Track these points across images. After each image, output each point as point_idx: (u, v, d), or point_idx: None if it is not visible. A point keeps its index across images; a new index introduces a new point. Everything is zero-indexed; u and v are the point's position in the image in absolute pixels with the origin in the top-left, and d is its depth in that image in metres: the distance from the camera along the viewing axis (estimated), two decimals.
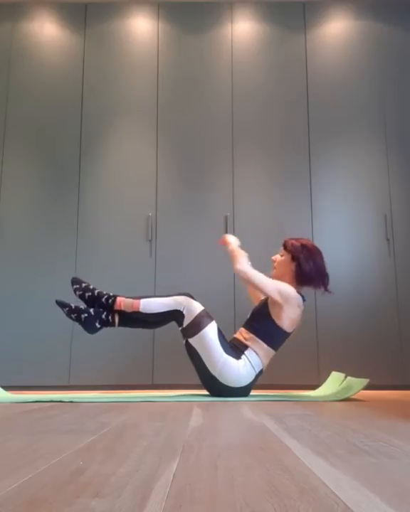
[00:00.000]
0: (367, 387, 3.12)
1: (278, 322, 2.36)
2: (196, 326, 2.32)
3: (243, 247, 3.40)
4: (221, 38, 3.66)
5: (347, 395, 2.20)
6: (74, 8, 3.70)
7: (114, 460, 0.80)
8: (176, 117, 3.55)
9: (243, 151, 3.51)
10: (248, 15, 3.70)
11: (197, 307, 2.35)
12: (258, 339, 2.37)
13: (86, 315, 2.34)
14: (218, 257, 3.36)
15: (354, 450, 0.89)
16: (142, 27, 3.68)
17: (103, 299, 2.39)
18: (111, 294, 2.40)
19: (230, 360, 2.30)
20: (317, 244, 3.36)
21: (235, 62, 3.63)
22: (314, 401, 2.12)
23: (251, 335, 2.39)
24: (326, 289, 2.50)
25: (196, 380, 3.03)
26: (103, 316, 2.36)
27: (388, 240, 3.38)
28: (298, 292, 2.42)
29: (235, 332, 3.17)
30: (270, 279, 2.38)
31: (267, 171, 3.48)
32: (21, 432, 1.13)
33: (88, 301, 2.41)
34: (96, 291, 2.41)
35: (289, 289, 2.36)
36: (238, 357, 2.33)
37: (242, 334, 2.44)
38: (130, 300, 2.36)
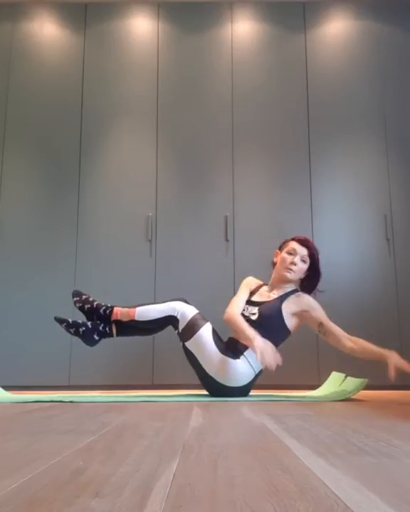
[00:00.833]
0: (367, 387, 3.12)
1: (290, 326, 2.44)
2: (191, 329, 2.34)
3: (243, 246, 3.40)
4: (221, 38, 3.66)
5: (346, 395, 2.20)
6: (74, 8, 3.70)
7: (114, 460, 0.80)
8: (176, 117, 3.55)
9: (243, 151, 3.51)
10: (248, 15, 3.70)
11: (191, 311, 2.38)
12: (266, 341, 2.37)
13: (84, 328, 2.40)
14: (218, 257, 3.36)
15: (354, 450, 0.89)
16: (142, 27, 3.68)
17: (101, 311, 2.44)
18: (109, 305, 2.45)
19: (228, 359, 2.30)
20: (317, 244, 3.36)
21: (235, 62, 3.63)
22: (314, 401, 2.12)
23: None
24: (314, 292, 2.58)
25: (196, 380, 3.03)
26: (101, 328, 2.42)
27: (388, 240, 3.38)
28: (300, 291, 2.50)
29: (235, 332, 3.17)
30: (320, 311, 2.42)
31: (267, 170, 3.48)
32: (21, 432, 1.13)
33: (87, 313, 2.46)
34: (95, 303, 2.46)
35: (315, 302, 2.45)
36: (236, 356, 2.33)
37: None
38: (126, 309, 2.41)
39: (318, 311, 2.42)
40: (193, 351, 2.34)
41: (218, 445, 0.94)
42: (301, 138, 3.52)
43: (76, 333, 2.40)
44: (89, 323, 2.41)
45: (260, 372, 2.40)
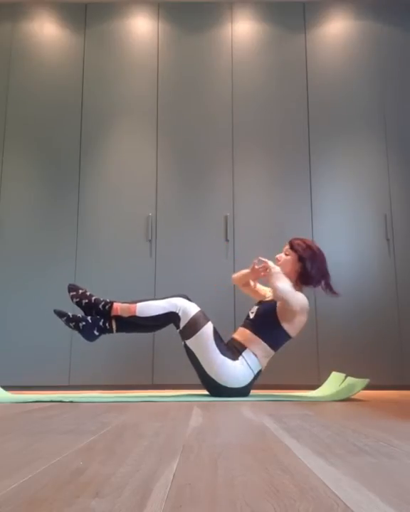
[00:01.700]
0: (367, 387, 3.12)
1: (287, 327, 2.39)
2: (192, 328, 2.32)
3: (243, 246, 3.40)
4: (221, 38, 3.66)
5: (347, 395, 2.20)
6: (74, 8, 3.70)
7: (114, 460, 0.80)
8: (176, 117, 3.55)
9: (243, 151, 3.51)
10: (248, 15, 3.70)
11: (193, 309, 2.36)
12: (261, 341, 2.37)
13: (84, 323, 2.36)
14: (218, 257, 3.36)
15: (354, 450, 0.89)
16: (142, 27, 3.68)
17: (100, 306, 2.40)
18: (107, 300, 2.41)
19: (227, 361, 2.30)
20: (317, 244, 3.36)
21: (235, 62, 3.63)
22: (314, 401, 2.12)
23: (254, 336, 2.39)
24: (332, 291, 2.50)
25: (196, 380, 3.03)
26: (101, 323, 2.38)
27: (388, 240, 3.38)
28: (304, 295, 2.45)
29: (234, 332, 3.17)
30: (295, 295, 2.32)
31: (267, 170, 3.48)
32: (21, 432, 1.13)
33: (85, 308, 2.42)
34: (93, 298, 2.41)
35: (305, 301, 2.37)
36: (234, 358, 2.34)
37: (242, 335, 2.44)
38: (127, 305, 2.37)
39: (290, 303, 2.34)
40: (193, 350, 2.33)
41: (218, 445, 0.94)
42: (301, 138, 3.53)
43: (76, 328, 2.36)
44: (89, 318, 2.37)
45: (259, 373, 2.40)
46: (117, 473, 0.70)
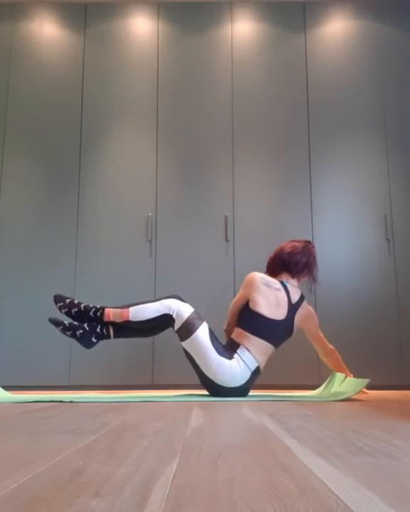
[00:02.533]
0: (367, 387, 3.12)
1: (252, 306, 2.42)
2: (187, 329, 2.31)
3: (243, 246, 3.40)
4: (221, 38, 3.66)
5: (347, 395, 2.20)
6: (74, 8, 3.70)
7: (114, 460, 0.80)
8: (176, 117, 3.55)
9: (243, 150, 3.51)
10: (248, 15, 3.70)
11: (187, 310, 2.34)
12: (246, 333, 2.37)
13: (81, 331, 2.33)
14: (218, 257, 3.36)
15: (354, 450, 0.89)
16: (142, 27, 3.68)
17: (91, 313, 2.36)
18: (98, 307, 2.38)
19: (224, 361, 2.30)
20: (317, 244, 3.36)
21: (235, 62, 3.63)
22: (314, 401, 2.12)
23: (239, 329, 2.42)
24: (314, 280, 2.61)
25: (196, 380, 3.03)
26: (98, 330, 2.35)
27: (388, 240, 3.38)
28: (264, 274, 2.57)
29: None
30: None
31: (267, 170, 3.48)
32: (21, 432, 1.13)
33: (75, 317, 2.37)
34: (82, 306, 2.37)
35: (246, 277, 2.53)
36: (230, 357, 2.33)
37: (235, 332, 2.45)
38: (119, 310, 2.34)
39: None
40: (190, 351, 2.33)
41: (218, 445, 0.94)
42: (301, 138, 3.53)
43: (73, 336, 2.33)
44: (86, 326, 2.34)
45: (257, 371, 2.39)
46: (117, 473, 0.70)
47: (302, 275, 2.58)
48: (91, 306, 2.39)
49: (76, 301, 2.40)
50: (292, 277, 2.57)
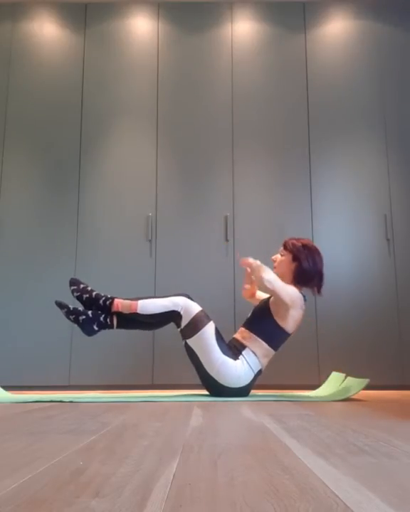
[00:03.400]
0: (367, 387, 3.12)
1: (281, 323, 2.38)
2: (194, 327, 2.32)
3: (243, 246, 3.40)
4: (221, 38, 3.66)
5: (347, 395, 2.20)
6: (74, 8, 3.70)
7: (114, 460, 0.80)
8: (176, 117, 3.55)
9: (243, 150, 3.51)
10: (248, 15, 3.69)
11: (195, 308, 2.35)
12: (258, 338, 2.37)
13: (84, 317, 2.34)
14: (218, 257, 3.36)
15: (354, 450, 0.89)
16: (142, 27, 3.68)
17: (101, 301, 2.38)
18: (109, 296, 2.40)
19: (228, 360, 2.30)
20: (317, 244, 3.36)
21: (235, 62, 3.63)
22: (314, 401, 2.12)
23: (251, 334, 2.39)
24: (318, 291, 2.51)
25: (196, 380, 3.03)
26: (101, 319, 2.36)
27: (388, 240, 3.38)
28: (300, 292, 2.43)
29: (235, 332, 3.17)
30: (285, 285, 2.36)
31: (267, 170, 3.48)
32: (21, 432, 1.13)
33: (86, 302, 2.40)
34: (94, 293, 2.40)
35: (296, 294, 2.38)
36: (235, 357, 2.33)
37: (241, 333, 2.44)
38: (128, 302, 2.36)
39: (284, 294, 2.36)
40: (195, 349, 2.33)
41: (218, 445, 0.94)
42: (301, 138, 3.53)
43: (75, 321, 2.34)
44: (90, 312, 2.35)
45: (259, 372, 2.40)
46: (117, 473, 0.70)
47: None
48: (102, 294, 2.41)
49: (89, 288, 2.43)
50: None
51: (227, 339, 3.05)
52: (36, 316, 3.28)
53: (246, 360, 2.34)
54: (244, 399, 2.21)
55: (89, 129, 3.54)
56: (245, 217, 3.42)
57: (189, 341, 2.34)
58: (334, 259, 3.35)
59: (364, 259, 3.36)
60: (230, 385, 2.30)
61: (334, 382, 2.65)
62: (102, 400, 2.10)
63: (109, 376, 3.20)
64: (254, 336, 2.38)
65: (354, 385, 2.32)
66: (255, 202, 3.44)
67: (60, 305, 2.38)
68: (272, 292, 2.33)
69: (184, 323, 2.34)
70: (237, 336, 2.46)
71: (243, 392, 2.34)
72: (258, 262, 2.40)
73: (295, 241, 2.53)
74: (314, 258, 2.48)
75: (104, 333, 3.24)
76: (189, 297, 2.42)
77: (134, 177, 3.47)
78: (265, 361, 2.40)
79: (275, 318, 2.38)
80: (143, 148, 3.51)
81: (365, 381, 2.27)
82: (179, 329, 2.39)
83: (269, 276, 2.33)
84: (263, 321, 2.40)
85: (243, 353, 2.35)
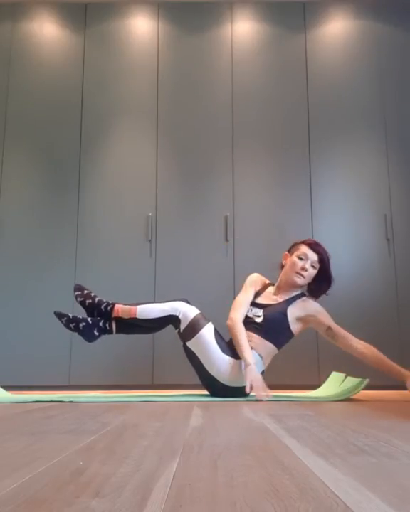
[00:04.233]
0: (367, 387, 3.12)
1: (295, 332, 2.43)
2: (192, 329, 2.33)
3: (243, 246, 3.40)
4: (221, 38, 3.66)
5: (346, 395, 2.20)
6: (74, 8, 3.70)
7: (114, 460, 0.80)
8: (176, 117, 3.55)
9: (243, 150, 3.51)
10: (248, 15, 3.69)
11: (193, 311, 2.37)
12: (269, 344, 2.38)
13: (84, 324, 2.38)
14: (218, 257, 3.36)
15: (354, 450, 0.89)
16: (142, 27, 3.68)
17: (102, 307, 2.42)
18: (110, 302, 2.44)
19: (230, 359, 2.30)
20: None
21: (235, 62, 3.63)
22: (314, 401, 2.12)
23: (263, 340, 2.36)
24: (317, 297, 2.56)
25: (196, 380, 3.03)
26: (101, 324, 2.40)
27: (388, 240, 3.38)
28: (304, 294, 2.50)
29: None
30: (327, 316, 2.41)
31: (267, 170, 3.48)
32: (21, 432, 1.13)
33: (88, 308, 2.44)
34: (96, 299, 2.44)
35: (318, 308, 2.43)
36: (237, 356, 2.33)
37: (249, 337, 2.39)
38: (127, 307, 2.39)
39: (324, 316, 2.40)
40: (195, 351, 2.33)
41: (218, 445, 0.94)
42: (301, 138, 3.52)
43: (76, 329, 2.38)
44: (89, 319, 2.39)
45: (262, 373, 2.40)
46: (117, 473, 0.70)
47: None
48: (104, 300, 2.45)
49: (93, 294, 2.47)
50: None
51: (227, 339, 3.05)
52: (36, 316, 3.28)
53: None
54: (244, 399, 2.21)
55: (89, 129, 3.54)
56: (245, 217, 3.41)
57: (189, 343, 2.34)
58: (334, 259, 3.35)
59: (364, 259, 3.36)
60: (231, 384, 2.30)
61: (334, 382, 2.65)
62: (102, 400, 2.10)
63: (109, 376, 3.20)
64: (265, 341, 2.37)
65: (354, 385, 2.32)
66: (255, 202, 3.44)
67: (60, 315, 2.42)
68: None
69: (182, 326, 2.35)
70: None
71: (243, 391, 2.33)
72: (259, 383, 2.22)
73: (326, 254, 2.45)
74: (331, 274, 2.48)
75: None
76: (188, 302, 2.43)
77: (134, 177, 3.47)
78: (268, 362, 2.42)
79: (292, 329, 2.41)
80: (143, 148, 3.51)
81: (365, 381, 2.27)
82: (177, 332, 2.39)
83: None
84: (279, 332, 2.40)
85: None
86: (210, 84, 3.60)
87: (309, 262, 2.41)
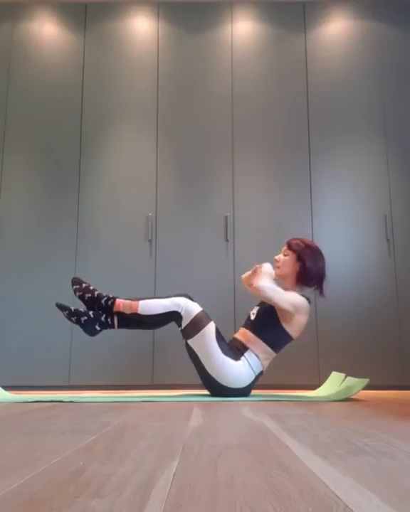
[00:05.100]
0: (367, 387, 3.12)
1: (287, 328, 2.38)
2: (194, 327, 2.32)
3: (243, 246, 3.40)
4: (221, 38, 3.66)
5: (346, 395, 2.20)
6: (74, 8, 3.70)
7: (114, 460, 0.80)
8: (176, 117, 3.55)
9: (243, 151, 3.51)
10: (248, 15, 3.70)
11: (195, 308, 2.35)
12: (261, 342, 2.37)
13: (86, 318, 2.35)
14: (218, 257, 3.36)
15: (354, 450, 0.89)
16: (142, 27, 3.68)
17: (102, 301, 2.39)
18: (110, 296, 2.40)
19: (229, 361, 2.30)
20: (317, 244, 3.36)
21: (235, 62, 3.63)
22: (314, 401, 2.12)
23: (255, 337, 2.38)
24: (321, 293, 2.51)
25: (196, 380, 3.03)
26: (102, 319, 2.37)
27: (388, 239, 3.38)
28: (303, 295, 2.43)
29: (235, 332, 3.17)
30: (284, 294, 2.33)
31: (267, 171, 3.48)
32: (21, 432, 1.13)
33: (88, 302, 2.41)
34: (96, 293, 2.41)
35: (299, 299, 2.36)
36: (237, 358, 2.33)
37: (243, 335, 2.43)
38: (129, 302, 2.36)
39: (289, 296, 2.36)
40: (195, 350, 2.33)
41: (218, 445, 0.94)
42: (301, 138, 3.53)
43: (77, 322, 2.35)
44: (91, 313, 2.36)
45: (261, 373, 2.40)
46: (117, 473, 0.70)
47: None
48: (104, 294, 2.41)
49: (91, 287, 2.43)
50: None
51: (227, 338, 3.05)
52: (36, 316, 3.28)
53: (248, 362, 2.34)
54: (244, 399, 2.21)
55: (89, 129, 3.54)
56: (245, 217, 3.42)
57: (190, 342, 2.34)
58: (334, 259, 3.35)
59: (364, 259, 3.36)
60: (230, 386, 2.30)
61: (334, 382, 2.65)
62: (102, 400, 2.10)
63: (109, 376, 3.20)
64: (258, 339, 2.38)
65: (354, 384, 2.32)
66: (255, 202, 3.44)
67: (61, 307, 2.38)
68: (267, 300, 2.30)
69: (184, 323, 2.34)
70: (238, 336, 2.46)
71: (243, 392, 2.34)
72: (267, 269, 2.36)
73: (299, 241, 2.53)
74: (316, 258, 2.48)
75: (105, 332, 3.24)
76: (190, 298, 2.42)
77: (134, 177, 3.47)
78: (266, 363, 2.41)
79: (282, 322, 2.37)
80: (143, 148, 3.51)
81: (365, 381, 2.27)
82: (180, 329, 2.39)
83: (265, 284, 2.29)
84: (268, 325, 2.38)
85: (246, 354, 2.35)
86: (210, 84, 3.60)
87: (281, 253, 2.56)
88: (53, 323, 3.26)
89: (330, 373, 3.10)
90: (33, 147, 3.51)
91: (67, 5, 3.70)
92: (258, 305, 2.54)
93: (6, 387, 3.13)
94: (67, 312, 2.37)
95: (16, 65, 3.63)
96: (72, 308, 2.37)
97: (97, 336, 3.23)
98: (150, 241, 3.38)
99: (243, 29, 3.68)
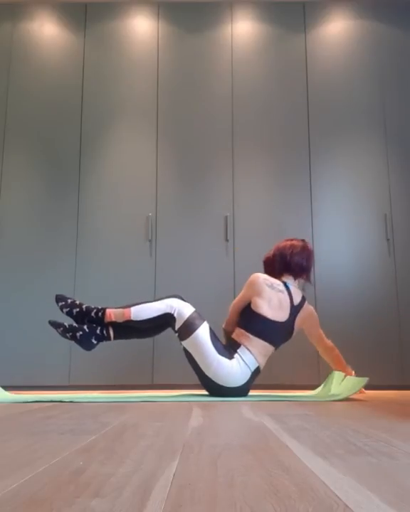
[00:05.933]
0: (367, 387, 3.12)
1: (254, 307, 2.42)
2: (188, 328, 2.31)
3: (243, 246, 3.40)
4: (221, 38, 3.66)
5: (347, 395, 2.20)
6: (74, 8, 3.70)
7: (114, 460, 0.80)
8: (176, 117, 3.55)
9: (243, 151, 3.51)
10: (248, 15, 3.70)
11: (188, 309, 2.34)
12: (247, 333, 2.37)
13: (81, 333, 2.31)
14: (218, 257, 3.36)
15: (354, 450, 0.89)
16: (142, 27, 3.68)
17: (92, 314, 2.35)
18: (99, 307, 2.37)
19: (224, 360, 2.30)
20: (317, 244, 3.36)
21: (235, 62, 3.63)
22: (314, 401, 2.12)
23: (240, 330, 2.42)
24: (301, 277, 2.60)
25: (196, 379, 3.03)
26: (98, 331, 2.33)
27: (388, 239, 3.38)
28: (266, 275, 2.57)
29: None
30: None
31: (267, 171, 3.48)
32: (21, 432, 1.13)
33: (77, 317, 2.36)
34: (84, 306, 2.36)
35: (249, 278, 2.52)
36: (231, 357, 2.33)
37: (235, 332, 2.45)
38: (120, 310, 2.33)
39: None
40: (190, 351, 2.33)
41: (218, 445, 0.94)
42: (301, 138, 3.53)
43: (73, 338, 2.31)
44: (85, 327, 2.31)
45: (257, 371, 2.39)
46: (117, 473, 0.70)
47: (301, 276, 2.58)
48: (92, 307, 2.38)
49: (78, 302, 2.39)
50: (294, 279, 2.57)
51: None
52: (36, 316, 3.28)
53: (242, 359, 2.33)
54: (244, 399, 2.21)
55: (89, 129, 3.54)
56: (245, 217, 3.42)
57: (184, 343, 2.34)
58: (334, 259, 3.35)
59: (364, 259, 3.36)
60: (227, 385, 2.30)
61: (334, 382, 2.65)
62: (102, 400, 2.10)
63: (109, 376, 3.20)
64: (242, 330, 2.40)
65: (354, 384, 2.32)
66: (255, 202, 3.44)
67: (55, 324, 2.34)
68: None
69: (178, 325, 2.33)
70: (233, 335, 2.47)
71: (241, 391, 2.33)
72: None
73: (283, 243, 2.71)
74: (276, 246, 2.66)
75: None
76: (181, 298, 2.41)
77: (134, 177, 3.47)
78: (262, 359, 2.39)
79: (251, 305, 2.45)
80: (143, 148, 3.51)
81: (364, 379, 2.27)
82: (174, 331, 2.39)
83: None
84: (243, 312, 2.48)
85: (238, 351, 2.35)
86: (210, 84, 3.60)
87: None
88: None
89: (330, 373, 3.09)
90: (33, 147, 3.51)
91: (67, 5, 3.70)
92: None
93: (6, 387, 3.13)
94: (61, 329, 2.32)
95: (16, 65, 3.63)
96: (66, 324, 2.32)
97: None
98: (150, 241, 3.38)
99: (243, 29, 3.68)
